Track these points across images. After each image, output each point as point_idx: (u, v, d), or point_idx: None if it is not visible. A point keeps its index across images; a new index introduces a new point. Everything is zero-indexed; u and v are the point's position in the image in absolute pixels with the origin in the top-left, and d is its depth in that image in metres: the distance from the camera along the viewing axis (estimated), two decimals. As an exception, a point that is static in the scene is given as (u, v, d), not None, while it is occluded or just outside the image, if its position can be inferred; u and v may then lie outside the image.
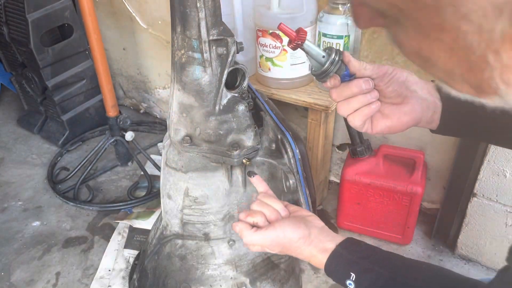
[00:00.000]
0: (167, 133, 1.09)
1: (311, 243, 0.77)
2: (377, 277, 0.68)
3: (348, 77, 0.71)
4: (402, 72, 0.72)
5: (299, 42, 0.69)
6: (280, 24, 0.71)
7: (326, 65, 0.70)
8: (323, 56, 0.70)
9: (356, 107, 0.71)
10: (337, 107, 0.73)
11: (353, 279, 0.69)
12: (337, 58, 0.70)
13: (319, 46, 0.71)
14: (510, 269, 0.56)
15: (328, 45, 1.30)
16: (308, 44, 0.70)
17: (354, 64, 0.70)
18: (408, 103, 0.72)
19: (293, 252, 0.79)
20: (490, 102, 0.37)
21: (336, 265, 0.73)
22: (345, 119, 1.34)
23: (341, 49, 1.29)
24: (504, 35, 0.29)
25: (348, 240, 0.76)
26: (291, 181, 0.94)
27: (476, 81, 0.34)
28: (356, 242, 0.76)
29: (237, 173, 1.02)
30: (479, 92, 0.36)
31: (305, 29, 0.70)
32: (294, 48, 0.71)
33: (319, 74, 0.71)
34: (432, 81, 0.74)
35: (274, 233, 0.78)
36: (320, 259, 0.75)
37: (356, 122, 0.72)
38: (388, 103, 0.73)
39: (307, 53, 0.71)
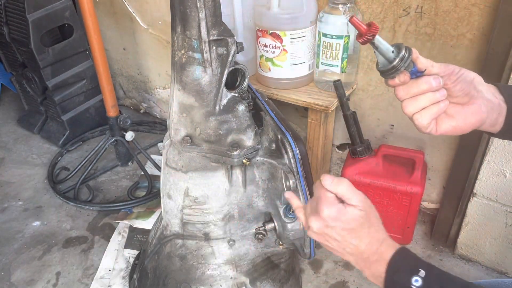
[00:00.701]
0: (167, 133, 1.09)
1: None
2: (449, 283, 0.65)
3: (416, 74, 0.69)
4: (469, 73, 0.70)
5: (370, 37, 0.67)
6: (352, 17, 0.68)
7: (396, 61, 0.68)
8: (393, 51, 0.68)
9: (424, 105, 0.69)
10: (403, 105, 0.70)
11: (422, 276, 0.65)
12: (407, 55, 0.68)
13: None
14: None
15: (329, 45, 1.30)
16: (379, 39, 0.68)
17: (422, 61, 0.68)
18: (474, 104, 0.70)
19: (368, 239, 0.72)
20: None
21: (404, 259, 0.68)
22: (346, 119, 1.34)
23: (341, 48, 1.30)
24: None
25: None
26: (291, 181, 0.94)
27: None
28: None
29: (237, 173, 1.02)
30: None
31: (358, 22, 0.67)
32: (363, 43, 0.68)
33: (388, 70, 0.69)
34: (494, 84, 0.73)
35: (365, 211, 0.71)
36: (385, 251, 0.70)
37: (423, 120, 0.69)
38: (453, 103, 0.71)
39: (376, 48, 0.69)
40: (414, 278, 0.65)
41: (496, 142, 1.22)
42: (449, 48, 1.26)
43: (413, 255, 0.68)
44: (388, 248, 0.70)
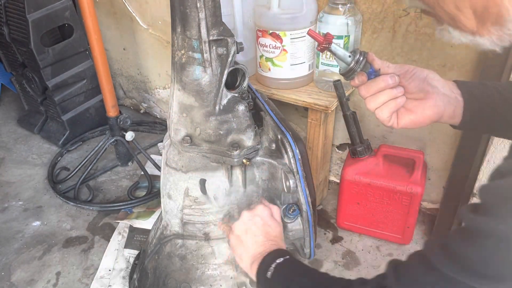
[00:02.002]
0: (167, 133, 1.09)
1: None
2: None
3: (374, 74, 0.77)
4: (422, 71, 0.77)
5: (327, 45, 0.77)
6: (309, 30, 0.79)
7: (352, 63, 0.77)
8: (349, 56, 0.77)
9: (383, 101, 0.76)
10: (366, 102, 0.78)
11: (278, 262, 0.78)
12: (361, 58, 0.77)
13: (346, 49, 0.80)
14: None
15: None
16: (335, 46, 0.77)
17: (378, 62, 0.77)
18: (430, 98, 0.76)
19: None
20: (487, 42, 0.56)
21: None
22: (346, 119, 1.35)
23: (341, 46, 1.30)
24: None
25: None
26: (291, 181, 0.94)
27: (483, 3, 0.51)
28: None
29: (237, 173, 1.02)
30: (482, 25, 0.54)
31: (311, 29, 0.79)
32: (321, 50, 0.78)
33: (347, 72, 0.79)
34: (454, 81, 0.79)
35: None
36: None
37: (383, 115, 0.77)
38: (411, 99, 0.78)
39: (334, 54, 0.78)
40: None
41: (496, 142, 1.22)
42: (449, 48, 1.26)
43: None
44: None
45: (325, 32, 1.28)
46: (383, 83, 0.75)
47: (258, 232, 0.89)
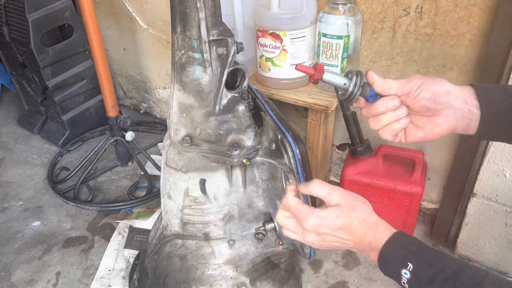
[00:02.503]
0: (167, 133, 1.09)
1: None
2: (438, 272, 0.65)
3: (374, 97, 0.75)
4: (429, 86, 0.72)
5: (319, 77, 0.76)
6: (297, 65, 0.77)
7: (350, 89, 0.75)
8: (344, 84, 0.75)
9: (385, 123, 0.76)
10: (369, 123, 0.78)
11: (410, 269, 0.67)
12: (359, 82, 0.74)
13: (341, 70, 0.78)
14: None
15: (329, 45, 1.30)
16: (328, 75, 0.75)
17: (378, 85, 0.74)
18: (440, 115, 0.73)
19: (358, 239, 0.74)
20: None
21: (394, 251, 0.70)
22: (346, 119, 1.35)
23: (341, 48, 1.30)
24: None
25: (402, 232, 0.74)
26: (291, 181, 0.94)
27: None
28: (411, 236, 0.73)
29: (237, 173, 1.02)
30: None
31: (321, 64, 0.77)
32: (315, 83, 0.77)
33: (345, 100, 0.76)
34: (470, 85, 0.74)
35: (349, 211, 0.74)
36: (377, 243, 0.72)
37: (386, 136, 0.78)
38: (419, 115, 0.75)
39: (329, 83, 0.77)
40: (403, 271, 0.67)
41: (496, 143, 1.22)
42: (449, 48, 1.26)
43: (403, 245, 0.70)
44: (381, 237, 0.72)
45: (325, 32, 1.29)
46: (383, 108, 0.74)
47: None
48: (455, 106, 0.72)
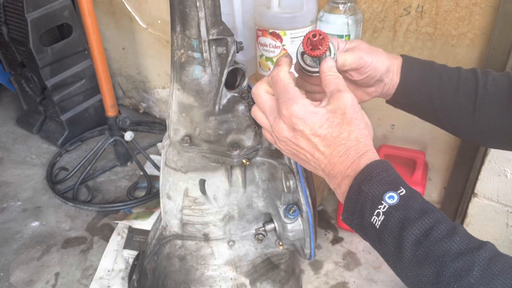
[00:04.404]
0: (166, 133, 1.08)
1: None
2: (434, 209, 0.53)
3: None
4: (376, 65, 0.77)
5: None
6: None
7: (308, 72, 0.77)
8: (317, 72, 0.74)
9: (314, 89, 0.83)
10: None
11: (401, 193, 0.53)
12: (316, 68, 0.75)
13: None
14: None
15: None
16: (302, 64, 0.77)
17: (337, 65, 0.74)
18: (373, 86, 0.81)
19: (357, 130, 0.59)
20: None
21: (384, 170, 0.55)
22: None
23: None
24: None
25: None
26: (291, 181, 0.93)
27: None
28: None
29: (237, 173, 1.02)
30: None
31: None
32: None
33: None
34: (401, 55, 0.82)
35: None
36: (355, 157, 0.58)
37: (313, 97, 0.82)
38: (354, 85, 0.81)
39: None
40: (389, 194, 0.53)
41: (497, 142, 1.21)
42: (450, 48, 1.26)
43: (397, 172, 0.57)
44: (368, 161, 0.57)
45: (325, 32, 1.28)
46: (317, 81, 0.75)
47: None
48: (386, 81, 0.80)
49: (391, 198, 0.52)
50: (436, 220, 0.51)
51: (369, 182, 0.54)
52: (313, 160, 0.61)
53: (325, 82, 0.65)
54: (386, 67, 0.78)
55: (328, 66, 0.67)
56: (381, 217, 0.52)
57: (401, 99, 0.82)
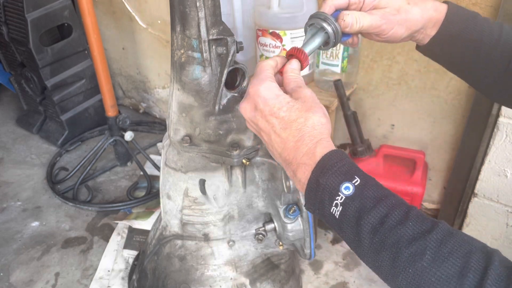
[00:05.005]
0: (166, 133, 1.08)
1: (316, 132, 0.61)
2: (389, 195, 0.54)
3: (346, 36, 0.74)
4: (402, 25, 0.72)
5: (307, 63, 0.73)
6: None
7: (331, 42, 0.72)
8: (324, 45, 0.73)
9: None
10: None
11: (356, 183, 0.54)
12: (335, 39, 0.72)
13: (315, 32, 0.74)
14: None
15: (332, 52, 1.29)
16: (308, 48, 0.72)
17: (350, 31, 0.71)
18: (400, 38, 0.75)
19: (294, 135, 0.60)
20: None
21: (339, 161, 0.56)
22: (346, 119, 1.33)
23: (342, 48, 1.29)
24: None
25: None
26: (291, 181, 0.93)
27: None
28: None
29: (237, 173, 1.02)
30: None
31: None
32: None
33: (332, 47, 0.74)
34: (446, 2, 0.75)
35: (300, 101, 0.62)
36: (316, 154, 0.58)
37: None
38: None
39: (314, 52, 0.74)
40: (345, 184, 0.54)
41: (497, 142, 1.21)
42: (450, 48, 1.25)
43: (351, 161, 0.58)
44: (321, 151, 0.58)
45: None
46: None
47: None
48: (417, 36, 0.75)
49: (347, 189, 0.54)
50: (390, 207, 0.52)
51: (325, 175, 0.56)
52: (271, 143, 0.63)
53: (286, 81, 0.68)
54: (413, 29, 0.73)
55: (291, 68, 0.69)
56: (339, 208, 0.54)
57: (433, 48, 0.77)
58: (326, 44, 0.74)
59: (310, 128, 0.59)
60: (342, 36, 0.72)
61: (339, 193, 0.54)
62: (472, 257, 0.48)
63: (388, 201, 0.53)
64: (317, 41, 0.73)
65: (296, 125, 0.60)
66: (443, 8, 0.74)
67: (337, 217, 0.55)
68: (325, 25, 0.71)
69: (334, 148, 0.59)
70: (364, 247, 0.54)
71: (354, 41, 0.76)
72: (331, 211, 0.55)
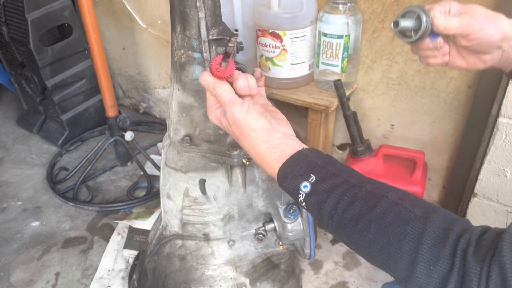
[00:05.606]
0: (166, 133, 1.09)
1: (268, 141, 0.70)
2: (342, 182, 0.61)
3: (434, 36, 0.75)
4: (488, 31, 0.72)
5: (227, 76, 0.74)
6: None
7: (421, 31, 0.72)
8: (413, 28, 0.73)
9: (421, 56, 0.80)
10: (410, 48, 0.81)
11: (312, 181, 0.63)
12: (428, 25, 0.72)
13: (410, 16, 0.74)
14: None
15: (330, 44, 1.30)
16: (403, 24, 0.72)
17: (439, 26, 0.72)
18: (488, 53, 0.75)
19: (245, 142, 0.72)
20: None
21: (297, 165, 0.65)
22: (346, 119, 1.33)
23: (342, 48, 1.29)
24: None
25: (316, 148, 0.69)
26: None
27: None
28: (326, 154, 0.68)
29: (237, 173, 1.02)
30: None
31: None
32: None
33: (413, 41, 0.75)
34: None
35: (237, 109, 0.71)
36: (275, 161, 0.68)
37: (421, 62, 0.81)
38: (468, 50, 0.76)
39: (402, 31, 0.75)
40: (303, 184, 0.63)
41: (497, 142, 1.21)
42: (450, 48, 1.26)
43: (310, 158, 0.65)
44: (289, 151, 0.68)
45: (325, 32, 1.28)
46: (424, 46, 0.76)
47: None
48: (505, 49, 0.74)
49: (305, 187, 0.63)
50: (341, 194, 0.60)
51: (286, 179, 0.66)
52: (249, 142, 0.74)
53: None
54: (503, 34, 0.72)
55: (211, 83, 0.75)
56: (304, 204, 0.64)
57: None
58: (415, 32, 0.74)
59: (279, 133, 0.71)
60: (431, 31, 0.73)
61: (300, 192, 0.64)
62: (409, 224, 0.55)
63: (339, 189, 0.61)
64: (409, 22, 0.73)
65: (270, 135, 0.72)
66: None
67: (305, 209, 0.66)
68: (422, 13, 0.72)
69: (300, 146, 0.69)
70: (329, 229, 0.64)
71: (439, 44, 0.76)
72: (301, 204, 0.65)
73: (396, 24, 0.72)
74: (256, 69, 0.80)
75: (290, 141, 0.70)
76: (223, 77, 0.73)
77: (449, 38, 0.76)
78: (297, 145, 0.69)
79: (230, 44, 0.71)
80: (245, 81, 0.74)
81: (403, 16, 0.75)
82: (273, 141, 0.70)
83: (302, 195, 0.63)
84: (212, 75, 0.74)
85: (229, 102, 0.72)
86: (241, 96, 0.74)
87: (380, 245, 0.56)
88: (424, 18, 0.71)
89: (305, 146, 0.70)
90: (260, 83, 0.80)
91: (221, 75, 0.73)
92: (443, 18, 0.72)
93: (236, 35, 0.70)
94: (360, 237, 0.58)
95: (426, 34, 0.73)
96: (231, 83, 0.74)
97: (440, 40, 0.75)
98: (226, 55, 0.72)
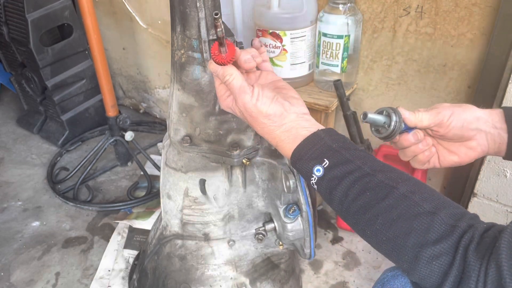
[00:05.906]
0: (166, 133, 1.09)
1: (282, 125, 0.71)
2: (354, 169, 0.62)
3: (408, 130, 0.77)
4: (459, 116, 0.75)
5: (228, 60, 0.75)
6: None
7: (391, 128, 0.76)
8: (384, 123, 0.77)
9: (411, 156, 0.80)
10: (399, 154, 0.83)
11: (325, 166, 0.64)
12: (398, 119, 0.75)
13: (380, 113, 0.79)
14: None
15: (329, 44, 1.30)
16: (371, 116, 0.76)
17: (411, 119, 0.76)
18: (473, 139, 0.76)
19: (258, 128, 0.74)
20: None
21: (311, 148, 0.66)
22: (346, 119, 1.34)
23: (342, 48, 1.29)
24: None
25: (332, 129, 0.70)
26: (291, 181, 0.93)
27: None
28: (341, 135, 0.69)
29: (237, 173, 1.02)
30: None
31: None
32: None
33: (385, 137, 0.78)
34: (501, 108, 0.77)
35: (247, 97, 0.72)
36: (290, 143, 0.69)
37: (415, 165, 0.81)
38: (453, 142, 0.78)
39: (372, 123, 0.78)
40: (316, 167, 0.65)
41: (496, 142, 1.21)
42: (450, 48, 1.26)
43: (325, 141, 0.66)
44: (303, 133, 0.69)
45: (325, 32, 1.29)
46: (407, 143, 0.78)
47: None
48: (486, 130, 0.75)
49: (318, 171, 0.65)
50: (353, 181, 0.62)
51: (300, 161, 0.67)
52: (265, 129, 0.75)
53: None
54: (475, 116, 0.75)
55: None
56: (315, 186, 0.66)
57: None
58: (384, 129, 0.77)
59: (295, 114, 0.72)
60: (406, 126, 0.76)
61: (313, 175, 0.65)
62: (416, 219, 0.56)
63: (351, 177, 0.62)
64: (378, 117, 0.77)
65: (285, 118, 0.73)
66: (497, 110, 0.76)
67: (316, 190, 0.67)
68: (390, 110, 0.76)
69: (316, 127, 0.69)
70: (338, 213, 0.66)
71: (419, 136, 0.78)
72: (313, 186, 0.67)
73: (365, 115, 0.75)
74: (254, 39, 0.81)
75: (304, 122, 0.71)
76: (228, 61, 0.74)
77: (428, 132, 0.79)
78: (312, 127, 0.70)
79: (218, 29, 0.71)
80: (247, 54, 0.76)
81: (375, 113, 0.78)
82: (286, 124, 0.71)
83: (315, 178, 0.65)
84: (217, 64, 0.74)
85: (239, 91, 0.73)
86: (249, 71, 0.76)
87: (386, 237, 0.58)
88: (393, 116, 0.75)
89: (320, 127, 0.70)
90: (261, 51, 0.81)
91: (225, 60, 0.74)
92: (412, 113, 0.76)
93: (217, 18, 0.70)
94: (367, 226, 0.60)
95: (398, 130, 0.75)
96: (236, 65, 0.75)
97: (419, 133, 0.77)
98: (220, 40, 0.73)
